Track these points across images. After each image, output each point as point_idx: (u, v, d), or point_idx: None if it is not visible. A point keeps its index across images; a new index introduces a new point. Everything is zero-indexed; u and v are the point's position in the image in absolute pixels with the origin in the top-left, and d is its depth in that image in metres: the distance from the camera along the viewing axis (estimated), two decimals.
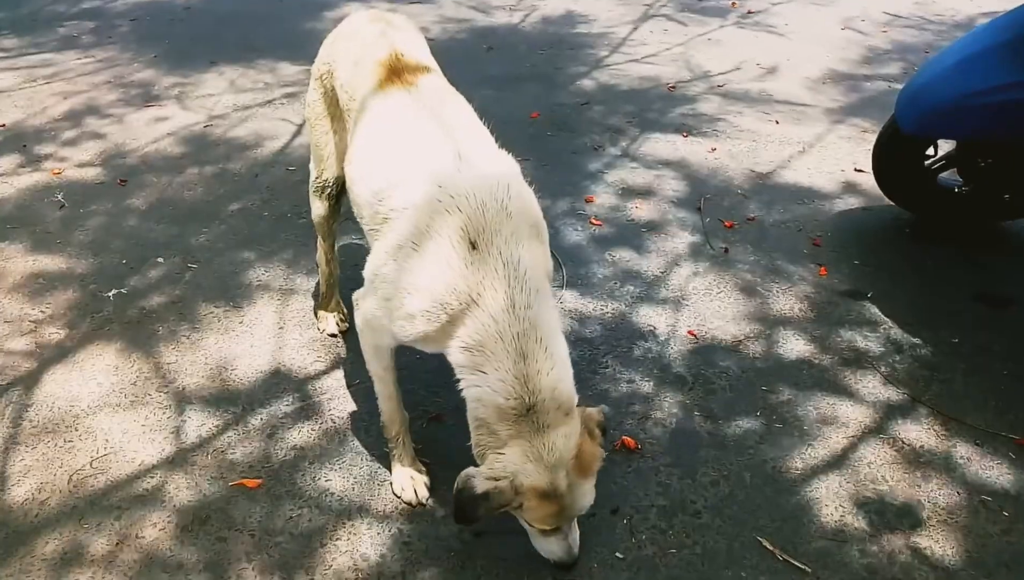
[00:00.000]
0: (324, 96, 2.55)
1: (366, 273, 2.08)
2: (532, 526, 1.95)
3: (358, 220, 2.27)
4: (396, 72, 2.25)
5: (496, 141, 2.18)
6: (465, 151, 1.99)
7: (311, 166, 2.72)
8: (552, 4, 6.93)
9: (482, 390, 1.85)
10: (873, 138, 3.51)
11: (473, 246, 1.84)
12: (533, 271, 1.88)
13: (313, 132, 2.64)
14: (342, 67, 2.44)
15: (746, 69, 5.41)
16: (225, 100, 5.00)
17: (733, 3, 6.84)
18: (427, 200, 1.91)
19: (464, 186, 1.89)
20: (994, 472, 2.36)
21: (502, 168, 2.05)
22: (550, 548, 1.99)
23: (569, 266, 3.28)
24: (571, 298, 3.10)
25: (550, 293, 1.96)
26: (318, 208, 2.74)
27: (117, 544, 2.15)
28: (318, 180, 2.68)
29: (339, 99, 2.46)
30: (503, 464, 1.84)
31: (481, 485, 1.82)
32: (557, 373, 1.85)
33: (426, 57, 2.43)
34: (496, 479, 1.82)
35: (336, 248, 2.89)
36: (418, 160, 2.02)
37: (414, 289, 1.89)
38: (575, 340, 2.87)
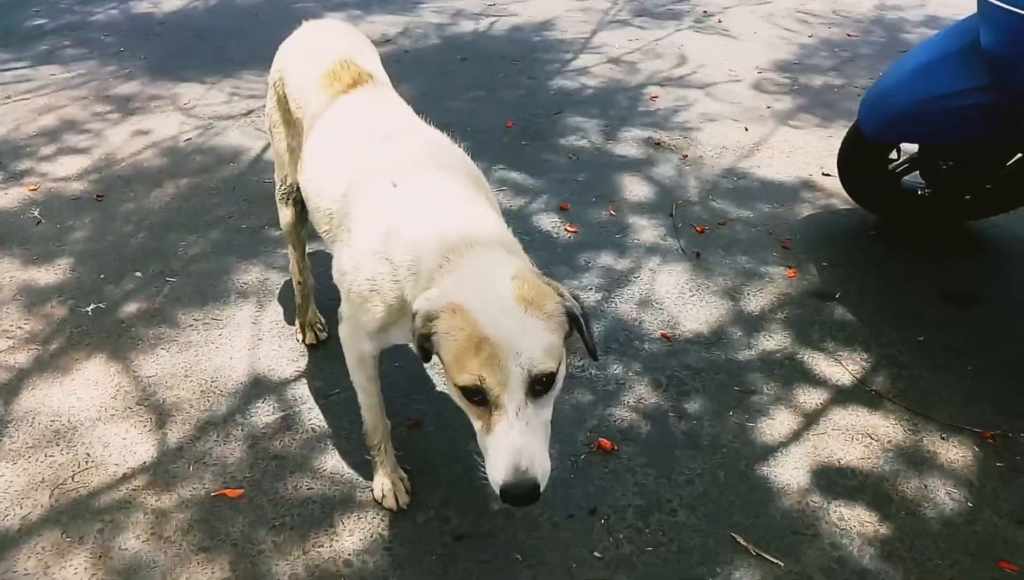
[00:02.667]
0: (279, 103, 2.62)
1: (335, 279, 2.11)
2: (454, 385, 1.58)
3: (317, 230, 2.32)
4: (341, 81, 2.34)
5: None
6: (400, 140, 2.09)
7: (276, 174, 2.77)
8: (518, 11, 7.00)
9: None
10: (839, 142, 3.60)
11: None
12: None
13: (273, 139, 2.71)
14: (291, 77, 2.52)
15: (716, 75, 5.50)
16: (201, 113, 5.01)
17: (704, 11, 6.95)
18: (369, 192, 1.98)
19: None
20: (959, 465, 2.44)
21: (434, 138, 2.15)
22: (490, 449, 1.53)
23: (544, 272, 3.32)
24: None
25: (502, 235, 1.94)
26: (285, 214, 2.79)
27: (100, 557, 2.16)
28: (283, 186, 2.74)
29: (289, 107, 2.54)
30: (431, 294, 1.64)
31: (417, 321, 1.62)
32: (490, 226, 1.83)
33: (372, 66, 2.49)
34: (428, 302, 1.62)
35: (307, 258, 2.91)
36: (356, 161, 2.08)
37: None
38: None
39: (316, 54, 2.47)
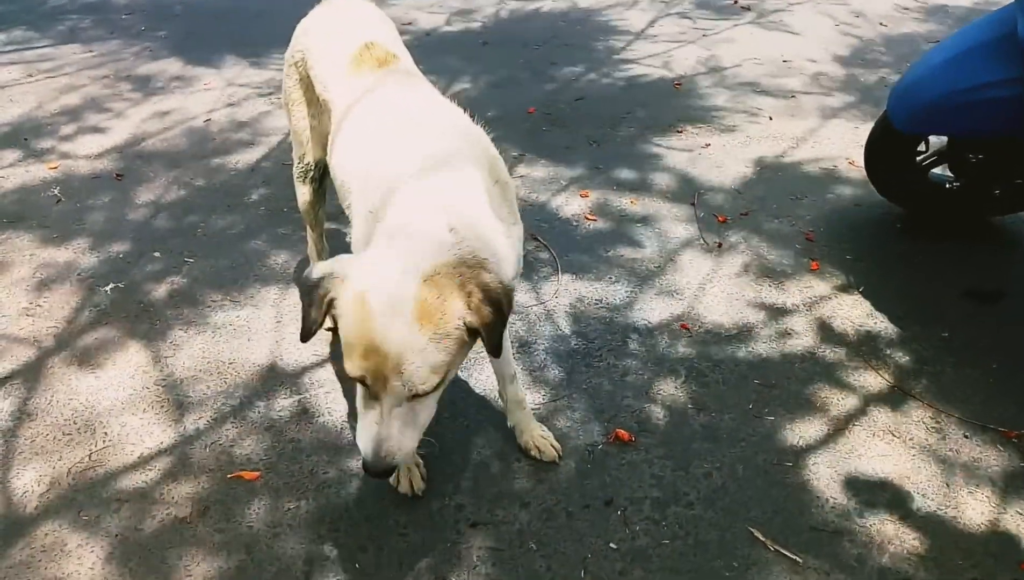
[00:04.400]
0: (300, 82, 2.59)
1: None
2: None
3: (343, 206, 2.32)
4: (367, 63, 2.31)
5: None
6: (423, 123, 2.04)
7: (293, 153, 2.76)
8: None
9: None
10: (867, 133, 3.53)
11: None
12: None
13: (292, 118, 2.68)
14: (315, 58, 2.49)
15: (744, 65, 5.43)
16: (222, 94, 5.01)
17: (735, 1, 6.85)
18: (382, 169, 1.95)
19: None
20: (982, 464, 2.39)
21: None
22: (362, 423, 1.69)
23: (563, 261, 3.31)
24: (565, 293, 3.12)
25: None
26: (303, 193, 2.77)
27: (116, 537, 2.17)
28: (300, 164, 2.72)
29: (315, 88, 2.51)
30: (345, 260, 1.70)
31: (317, 271, 1.68)
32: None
33: (396, 46, 2.46)
34: (331, 270, 1.66)
35: (325, 241, 2.90)
36: (378, 143, 2.04)
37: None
38: (569, 333, 2.90)
39: (340, 34, 2.44)
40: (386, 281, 1.61)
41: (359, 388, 1.69)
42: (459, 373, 2.73)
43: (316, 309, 1.66)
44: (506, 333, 2.35)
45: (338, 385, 2.68)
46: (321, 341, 2.88)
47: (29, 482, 2.33)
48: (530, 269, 3.23)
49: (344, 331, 1.64)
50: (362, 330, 1.59)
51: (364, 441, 1.68)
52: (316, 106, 2.55)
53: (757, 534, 2.18)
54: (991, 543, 2.16)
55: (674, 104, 4.81)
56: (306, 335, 1.72)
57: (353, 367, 1.62)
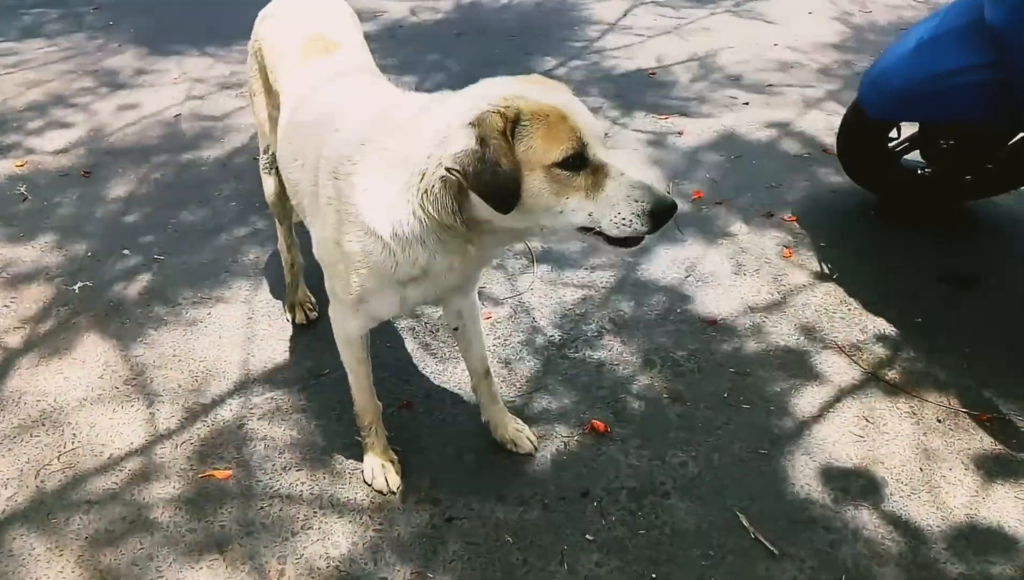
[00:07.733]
0: (260, 71, 2.56)
1: (315, 254, 2.08)
2: (545, 166, 1.60)
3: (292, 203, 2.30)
4: (313, 52, 2.28)
5: None
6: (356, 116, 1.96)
7: (259, 143, 2.71)
8: None
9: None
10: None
11: None
12: None
13: (254, 108, 2.65)
14: (268, 46, 2.46)
15: (720, 54, 5.42)
16: (192, 88, 4.94)
17: None
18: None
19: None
20: (955, 448, 2.41)
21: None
22: (619, 193, 1.61)
23: (539, 252, 3.29)
24: (541, 284, 3.11)
25: None
26: (268, 185, 2.72)
27: (86, 539, 2.14)
28: (265, 155, 2.68)
29: (268, 76, 2.49)
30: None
31: (461, 137, 1.61)
32: None
33: (350, 37, 2.41)
34: (476, 119, 1.60)
35: (295, 235, 2.86)
36: (316, 133, 1.99)
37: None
38: (545, 325, 2.89)
39: (291, 23, 2.41)
40: (506, 87, 1.69)
41: (570, 196, 1.63)
42: (433, 368, 2.72)
43: (504, 157, 1.57)
44: (482, 330, 2.34)
45: (311, 381, 2.66)
46: (293, 336, 2.85)
47: None
48: (505, 261, 3.21)
49: (540, 129, 1.62)
50: (550, 109, 1.64)
51: (643, 192, 1.63)
52: (275, 96, 2.51)
53: (743, 519, 2.17)
54: (964, 526, 2.18)
55: (649, 92, 4.80)
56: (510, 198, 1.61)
57: (567, 142, 1.61)
